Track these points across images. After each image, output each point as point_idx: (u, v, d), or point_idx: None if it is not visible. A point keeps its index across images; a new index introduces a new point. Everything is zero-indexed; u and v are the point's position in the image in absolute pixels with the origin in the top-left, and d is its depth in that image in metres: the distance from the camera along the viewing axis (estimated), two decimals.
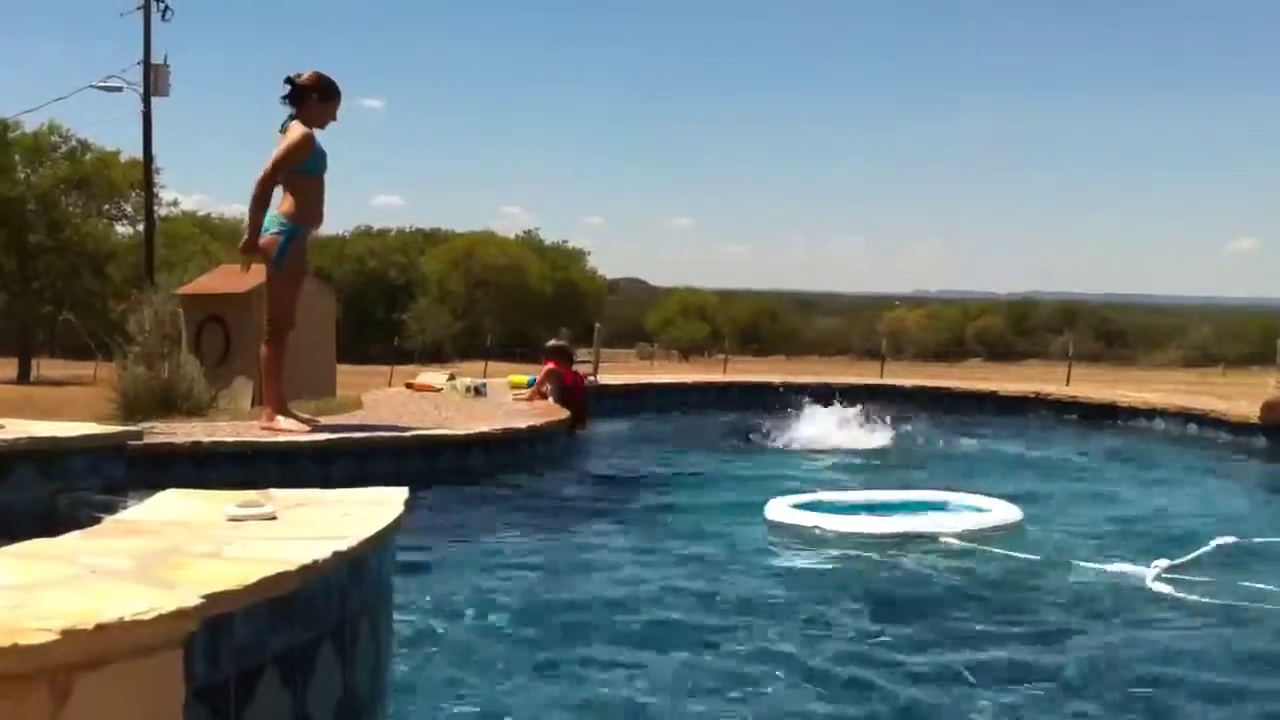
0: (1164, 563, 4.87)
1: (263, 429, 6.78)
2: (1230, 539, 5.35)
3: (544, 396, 10.06)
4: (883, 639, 3.95)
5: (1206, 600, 4.42)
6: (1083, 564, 5.04)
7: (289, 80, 6.91)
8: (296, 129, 6.83)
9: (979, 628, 4.15)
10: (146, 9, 27.94)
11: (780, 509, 6.02)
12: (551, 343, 11.27)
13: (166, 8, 28.08)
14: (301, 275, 7.13)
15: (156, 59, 28.16)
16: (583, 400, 10.27)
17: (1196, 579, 4.70)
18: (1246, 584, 4.66)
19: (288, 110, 6.92)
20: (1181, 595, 4.50)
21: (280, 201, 6.88)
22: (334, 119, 7.05)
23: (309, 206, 6.91)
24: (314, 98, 6.89)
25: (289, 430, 6.72)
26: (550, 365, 10.40)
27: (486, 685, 3.42)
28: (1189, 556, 5.01)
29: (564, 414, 8.47)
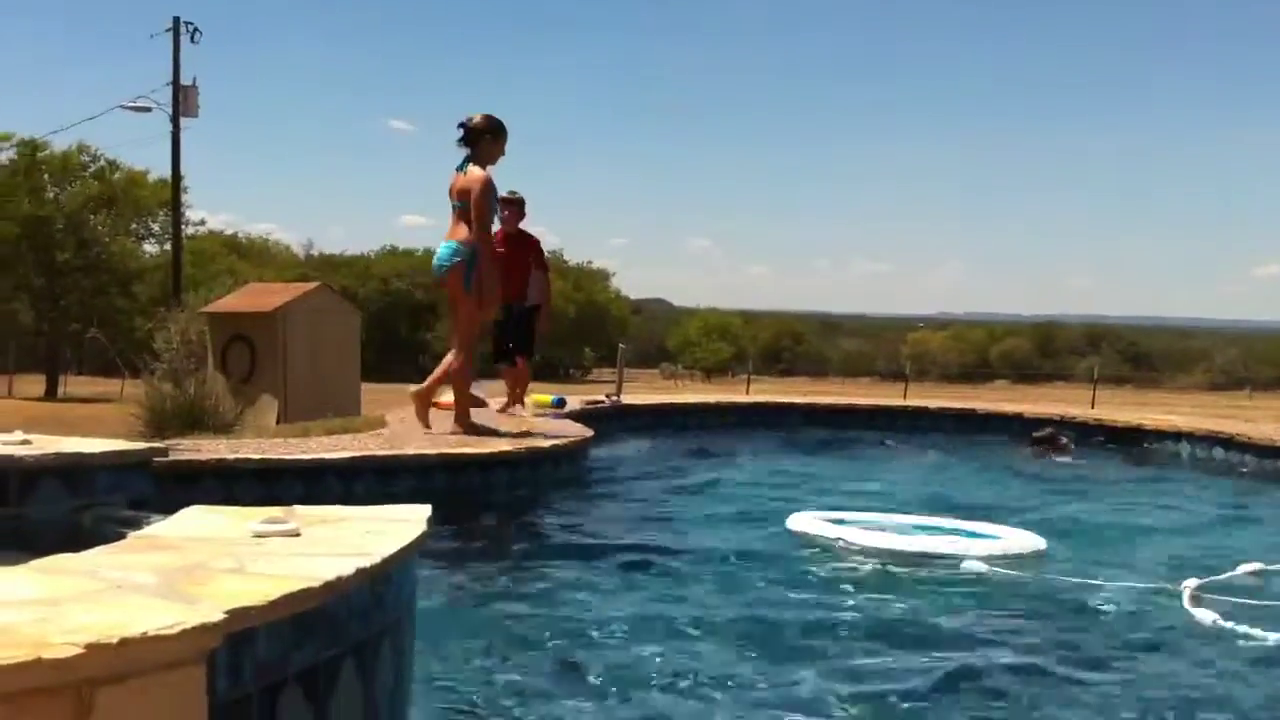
0: (1194, 582, 4.84)
1: (453, 434, 7.53)
2: (1256, 565, 5.29)
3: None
4: (909, 662, 3.93)
5: (1234, 626, 4.38)
6: (1110, 586, 5.00)
7: (462, 125, 7.55)
8: (477, 173, 7.50)
9: (1009, 650, 4.13)
10: (176, 31, 28.29)
11: (804, 521, 6.06)
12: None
13: (195, 30, 28.49)
14: (483, 300, 7.71)
15: (185, 80, 28.53)
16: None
17: (1223, 601, 4.65)
18: (1261, 610, 4.60)
19: (462, 152, 7.56)
20: (1213, 618, 4.45)
21: (455, 230, 7.55)
22: (503, 154, 7.69)
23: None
24: (487, 139, 7.57)
25: (484, 436, 7.51)
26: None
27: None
28: (1214, 579, 4.96)
29: (589, 433, 8.42)
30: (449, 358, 7.80)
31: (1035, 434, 11.14)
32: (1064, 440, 10.94)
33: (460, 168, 7.59)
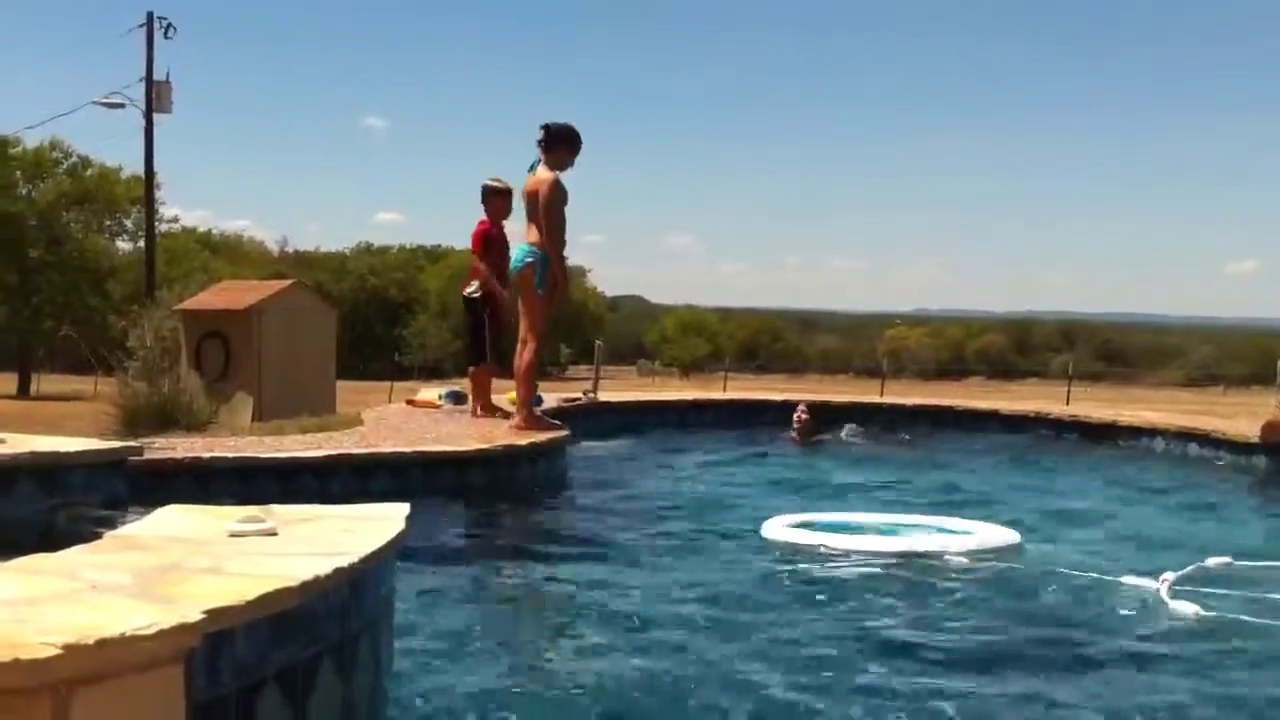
0: (1171, 576, 4.89)
1: (515, 429, 7.80)
2: (1225, 559, 5.33)
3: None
4: (902, 658, 3.95)
5: (1209, 615, 4.43)
6: (1090, 579, 5.05)
7: (545, 127, 7.83)
8: (546, 174, 7.76)
9: (998, 642, 4.19)
10: (149, 26, 28.07)
11: (778, 528, 6.01)
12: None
13: (169, 25, 28.22)
14: (553, 295, 7.98)
15: (159, 76, 28.29)
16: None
17: (1195, 594, 4.71)
18: (1238, 602, 4.66)
19: (536, 155, 7.83)
20: (1188, 609, 4.51)
21: (528, 232, 7.88)
22: (572, 165, 7.94)
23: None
24: (563, 146, 7.88)
25: (545, 429, 7.84)
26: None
27: None
28: (1184, 571, 5.01)
29: (564, 431, 8.39)
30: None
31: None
32: (801, 423, 10.78)
33: (532, 168, 7.90)
